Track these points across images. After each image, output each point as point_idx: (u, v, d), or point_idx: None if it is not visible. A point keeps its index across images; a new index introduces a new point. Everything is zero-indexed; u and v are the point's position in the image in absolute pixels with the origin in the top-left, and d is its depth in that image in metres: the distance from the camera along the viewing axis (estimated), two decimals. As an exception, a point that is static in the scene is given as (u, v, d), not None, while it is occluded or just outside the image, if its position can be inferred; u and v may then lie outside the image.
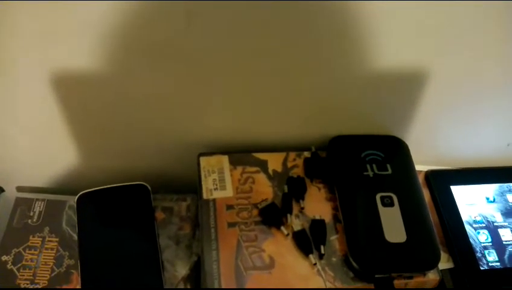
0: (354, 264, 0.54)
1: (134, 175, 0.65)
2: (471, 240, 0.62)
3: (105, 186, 0.64)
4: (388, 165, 0.61)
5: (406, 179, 0.60)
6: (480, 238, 0.62)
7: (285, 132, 0.64)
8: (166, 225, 0.63)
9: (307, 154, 0.64)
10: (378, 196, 0.58)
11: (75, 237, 0.61)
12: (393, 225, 0.56)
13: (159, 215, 0.63)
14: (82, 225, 0.61)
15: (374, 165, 0.61)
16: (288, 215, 0.58)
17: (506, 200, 0.66)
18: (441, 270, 0.59)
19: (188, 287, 0.59)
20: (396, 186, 0.59)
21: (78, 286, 0.58)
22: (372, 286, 0.54)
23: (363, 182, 0.59)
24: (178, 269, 0.60)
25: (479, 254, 0.61)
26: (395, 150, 0.63)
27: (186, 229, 0.63)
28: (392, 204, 0.57)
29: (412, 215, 0.57)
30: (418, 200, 0.59)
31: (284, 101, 0.60)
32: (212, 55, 0.53)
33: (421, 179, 0.67)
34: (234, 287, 0.53)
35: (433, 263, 0.55)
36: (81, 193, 0.63)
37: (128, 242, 0.60)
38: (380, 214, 0.56)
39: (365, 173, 0.60)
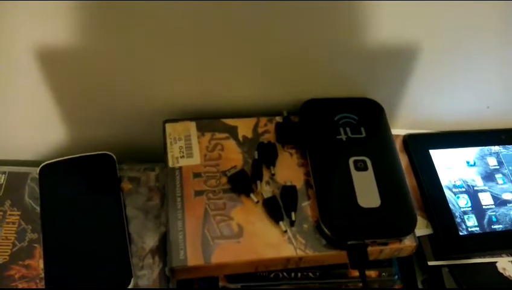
0: (326, 230, 0.52)
1: (100, 145, 0.62)
2: (450, 205, 0.60)
3: (69, 157, 0.61)
4: (362, 128, 0.58)
5: (380, 142, 0.58)
6: (460, 203, 0.60)
7: (256, 96, 0.62)
8: (134, 196, 0.60)
9: (278, 119, 0.61)
10: (351, 160, 0.55)
11: (38, 210, 0.58)
12: (366, 190, 0.54)
13: (126, 185, 0.61)
14: (45, 197, 0.59)
15: (348, 129, 0.58)
16: (258, 182, 0.55)
17: (487, 164, 0.64)
18: (420, 236, 0.57)
19: (157, 259, 0.56)
20: (370, 149, 0.56)
21: (41, 261, 0.55)
22: (345, 253, 0.52)
23: (336, 146, 0.57)
24: (146, 241, 0.58)
25: (458, 219, 0.59)
26: (369, 113, 0.60)
27: (155, 199, 0.60)
28: (365, 168, 0.55)
29: (387, 180, 0.55)
30: (393, 163, 0.57)
31: (254, 64, 0.58)
32: (177, 15, 0.50)
33: (398, 143, 0.65)
34: (201, 257, 0.50)
35: (408, 229, 0.53)
36: (43, 164, 0.60)
37: (93, 214, 0.58)
38: (353, 179, 0.54)
39: (338, 137, 0.57)
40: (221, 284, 0.54)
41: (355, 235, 0.52)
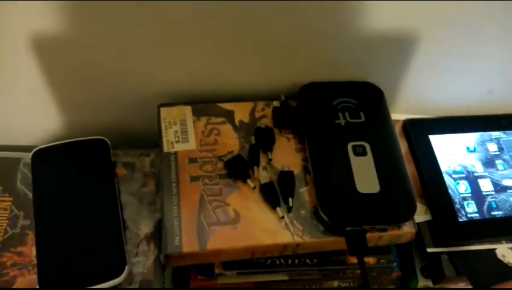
0: (324, 216, 0.51)
1: (94, 130, 0.61)
2: (450, 191, 0.59)
3: (62, 142, 0.60)
4: (361, 113, 0.57)
5: (380, 126, 0.57)
6: (460, 189, 0.59)
7: (253, 80, 0.60)
8: (128, 182, 0.59)
9: (276, 103, 0.60)
10: (349, 145, 0.54)
11: (31, 196, 0.57)
12: (365, 175, 0.53)
13: (120, 171, 0.59)
14: (37, 183, 0.58)
15: (346, 113, 0.57)
16: (255, 167, 0.54)
17: (487, 150, 0.63)
18: (419, 222, 0.56)
19: (152, 245, 0.55)
20: (369, 134, 0.55)
21: (34, 248, 0.54)
22: (343, 240, 0.51)
23: (334, 130, 0.55)
24: (141, 227, 0.57)
25: (458, 206, 0.58)
26: (369, 97, 0.59)
27: (150, 185, 0.59)
28: (364, 153, 0.54)
29: (386, 165, 0.54)
30: (393, 148, 0.55)
31: (252, 46, 0.56)
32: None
33: (398, 128, 0.64)
34: (196, 243, 0.49)
35: (408, 215, 0.52)
36: (36, 149, 0.59)
37: (86, 200, 0.57)
38: (351, 164, 0.53)
39: (337, 122, 0.56)
40: (217, 271, 0.54)
41: (353, 221, 0.51)
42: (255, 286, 0.57)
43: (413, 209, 0.52)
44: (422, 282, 0.58)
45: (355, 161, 0.53)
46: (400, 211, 0.52)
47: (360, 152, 0.54)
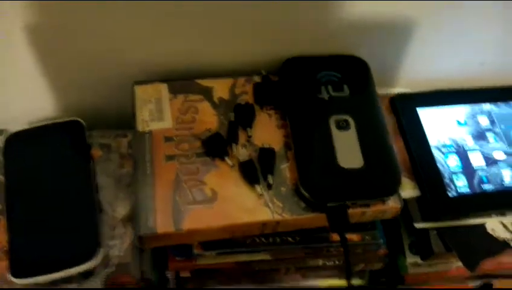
0: (304, 192, 0.49)
1: (69, 111, 0.59)
2: (439, 166, 0.57)
3: (36, 125, 0.58)
4: (345, 86, 0.55)
5: (364, 100, 0.55)
6: (449, 163, 0.57)
7: (233, 55, 0.58)
8: (105, 163, 0.57)
9: (257, 78, 0.57)
10: (332, 119, 0.52)
11: (3, 180, 0.55)
12: (348, 150, 0.51)
13: (96, 152, 0.57)
14: (10, 167, 0.56)
15: (330, 87, 0.55)
16: (234, 145, 0.52)
17: (478, 123, 0.61)
18: (407, 199, 0.54)
19: (129, 228, 0.54)
20: (353, 108, 0.53)
21: (5, 234, 0.52)
22: (324, 216, 0.49)
23: (316, 104, 0.53)
24: (118, 210, 0.55)
25: (447, 180, 0.56)
26: (353, 70, 0.57)
27: (127, 166, 0.58)
28: (347, 127, 0.52)
29: (370, 139, 0.52)
30: (377, 122, 0.53)
31: (231, 20, 0.54)
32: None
33: (386, 103, 0.61)
34: (171, 223, 0.47)
35: (392, 189, 0.50)
36: (9, 133, 0.58)
37: (60, 183, 0.55)
38: (333, 138, 0.51)
39: (319, 96, 0.54)
40: (196, 251, 0.52)
41: (335, 197, 0.49)
42: (238, 267, 0.55)
43: (397, 183, 0.50)
44: (410, 259, 0.56)
45: (337, 135, 0.51)
46: (383, 185, 0.50)
47: (343, 126, 0.52)
